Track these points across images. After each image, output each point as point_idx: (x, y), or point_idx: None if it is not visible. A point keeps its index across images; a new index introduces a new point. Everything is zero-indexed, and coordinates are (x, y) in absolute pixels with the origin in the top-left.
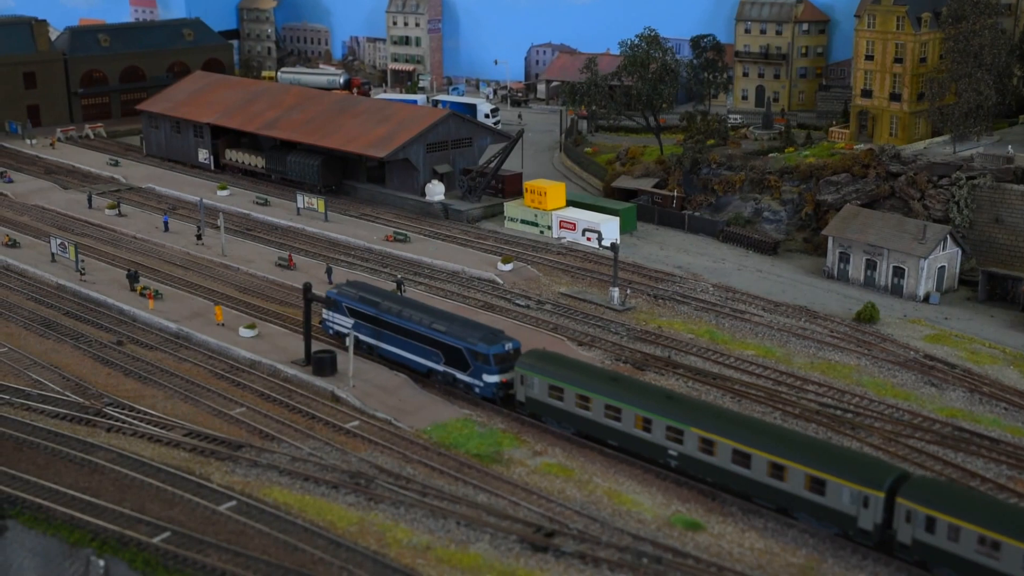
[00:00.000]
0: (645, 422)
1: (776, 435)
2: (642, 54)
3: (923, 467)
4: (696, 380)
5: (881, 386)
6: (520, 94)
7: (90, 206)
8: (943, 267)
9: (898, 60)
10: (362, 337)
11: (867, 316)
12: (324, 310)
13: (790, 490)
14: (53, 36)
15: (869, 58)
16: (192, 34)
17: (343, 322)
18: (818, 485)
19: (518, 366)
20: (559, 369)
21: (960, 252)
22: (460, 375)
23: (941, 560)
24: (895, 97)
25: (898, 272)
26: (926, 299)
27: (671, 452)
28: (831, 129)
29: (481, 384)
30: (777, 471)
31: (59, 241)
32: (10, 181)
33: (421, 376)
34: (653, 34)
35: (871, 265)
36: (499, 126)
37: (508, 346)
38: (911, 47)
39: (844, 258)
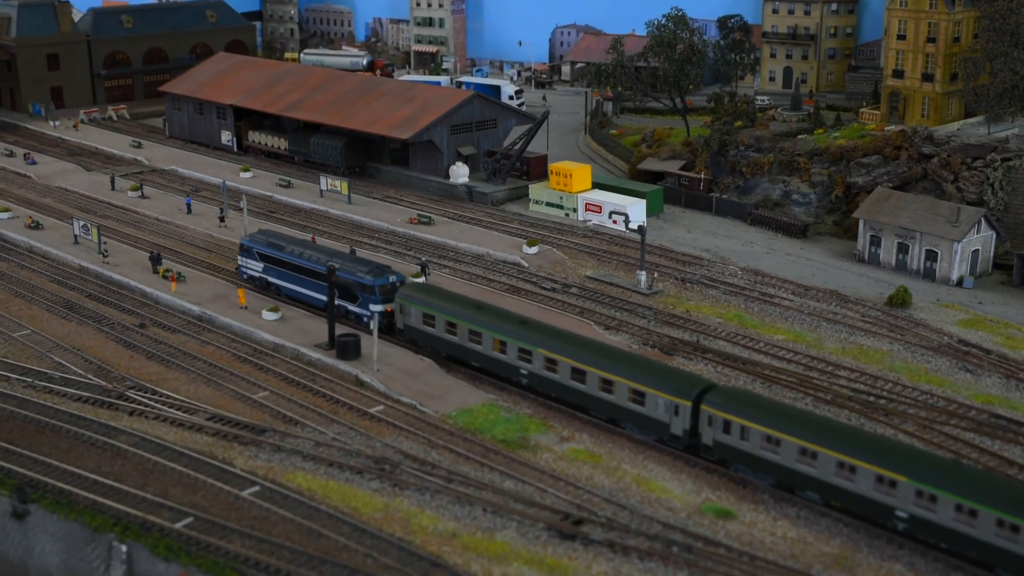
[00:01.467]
0: (501, 344)
1: (607, 354)
2: (669, 34)
3: (959, 455)
4: (725, 365)
5: (915, 372)
6: (544, 76)
7: (113, 188)
8: (977, 250)
9: (931, 40)
10: (271, 279)
11: (899, 300)
12: (239, 256)
13: (617, 402)
14: (76, 17)
15: (901, 38)
16: (215, 15)
17: (254, 266)
18: (639, 397)
19: (397, 296)
20: (432, 299)
21: (994, 235)
22: (351, 307)
23: (736, 457)
24: (927, 77)
25: (931, 256)
26: (959, 283)
27: (522, 371)
28: (861, 110)
29: (367, 314)
30: (607, 385)
31: (82, 223)
32: (33, 163)
33: (320, 311)
34: (680, 14)
35: (903, 248)
36: (523, 108)
37: (392, 278)
38: (944, 26)
39: (875, 241)
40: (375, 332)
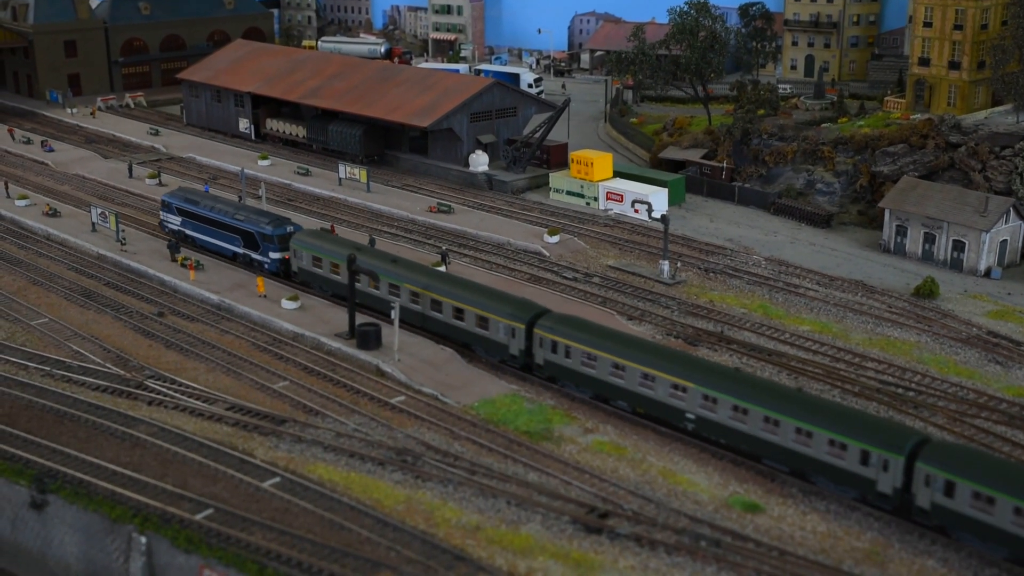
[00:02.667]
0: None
1: (460, 285)
2: (691, 22)
3: (991, 448)
4: (751, 356)
5: (943, 364)
6: (563, 64)
7: (131, 175)
8: (1005, 241)
9: (958, 27)
10: (188, 232)
11: (927, 291)
12: (161, 212)
13: (468, 328)
14: (94, 4)
15: (927, 25)
16: (232, 2)
17: (173, 220)
18: (484, 322)
19: (292, 242)
20: (320, 242)
21: (1023, 225)
22: (254, 255)
23: (562, 374)
24: (954, 65)
25: (958, 246)
26: (987, 274)
27: (392, 305)
28: (886, 99)
29: (268, 260)
30: (459, 313)
31: (100, 211)
32: (51, 150)
33: (228, 260)
34: (703, 1)
35: (929, 239)
36: (543, 96)
37: (289, 228)
38: (972, 13)
39: (901, 231)
40: (396, 322)
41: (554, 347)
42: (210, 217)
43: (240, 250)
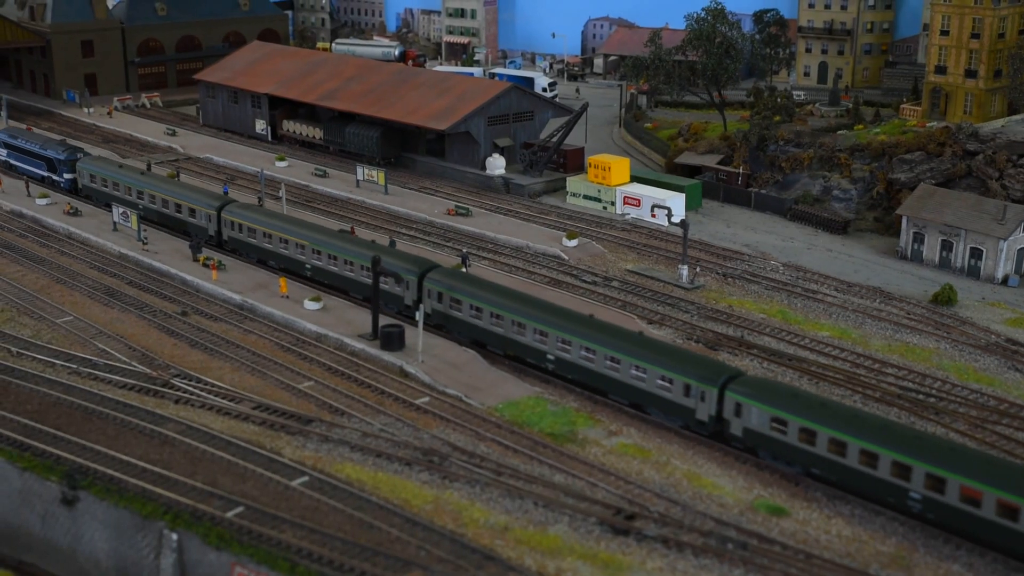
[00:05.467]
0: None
1: (162, 179)
2: (708, 28)
3: (1012, 454)
4: (771, 361)
5: (963, 370)
6: (577, 68)
7: None
8: (1022, 249)
9: (975, 36)
10: (12, 162)
11: (945, 298)
12: None
13: (171, 212)
14: (111, 4)
15: (944, 33)
16: (248, 4)
17: (1, 152)
18: (183, 209)
19: (78, 166)
20: (100, 165)
21: None
22: (54, 176)
23: (242, 248)
24: (971, 74)
25: (975, 253)
26: (1004, 281)
27: (139, 205)
28: (902, 106)
29: (63, 180)
30: (173, 206)
31: (121, 210)
32: None
33: (38, 182)
34: (719, 7)
35: (947, 246)
36: (557, 100)
37: (79, 155)
38: (989, 22)
39: (918, 238)
40: (420, 323)
41: (234, 226)
42: (25, 148)
43: (45, 173)
